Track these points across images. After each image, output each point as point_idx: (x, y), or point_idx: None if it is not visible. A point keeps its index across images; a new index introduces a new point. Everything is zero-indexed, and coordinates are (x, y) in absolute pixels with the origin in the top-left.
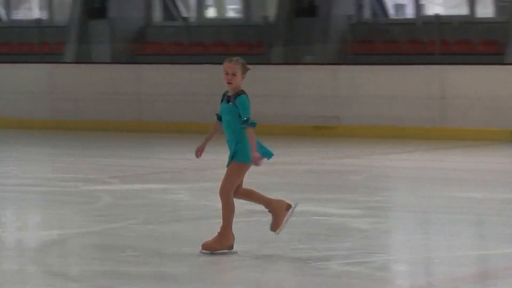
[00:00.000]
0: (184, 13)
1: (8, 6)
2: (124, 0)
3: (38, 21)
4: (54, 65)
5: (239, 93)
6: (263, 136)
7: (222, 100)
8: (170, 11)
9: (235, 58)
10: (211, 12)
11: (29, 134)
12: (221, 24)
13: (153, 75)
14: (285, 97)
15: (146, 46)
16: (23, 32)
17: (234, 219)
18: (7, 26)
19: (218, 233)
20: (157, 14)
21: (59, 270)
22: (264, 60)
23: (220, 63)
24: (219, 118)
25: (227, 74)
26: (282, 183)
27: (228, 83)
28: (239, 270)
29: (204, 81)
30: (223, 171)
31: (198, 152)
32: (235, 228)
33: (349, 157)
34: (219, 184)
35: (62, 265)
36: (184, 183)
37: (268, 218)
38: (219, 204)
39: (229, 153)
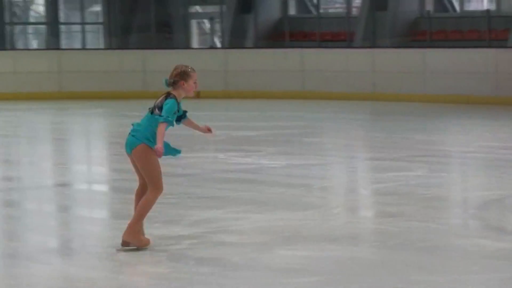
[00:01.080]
0: None
1: None
2: None
3: (487, 11)
4: (499, 49)
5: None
6: None
7: (178, 103)
8: None
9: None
10: None
11: (474, 108)
12: None
13: None
14: None
15: None
16: (473, 21)
17: None
18: (460, 16)
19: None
20: None
21: (497, 224)
22: None
23: None
24: (182, 117)
25: (195, 83)
26: None
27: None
28: None
29: None
30: None
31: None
32: None
33: None
34: None
35: (499, 220)
36: None
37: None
38: None
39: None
